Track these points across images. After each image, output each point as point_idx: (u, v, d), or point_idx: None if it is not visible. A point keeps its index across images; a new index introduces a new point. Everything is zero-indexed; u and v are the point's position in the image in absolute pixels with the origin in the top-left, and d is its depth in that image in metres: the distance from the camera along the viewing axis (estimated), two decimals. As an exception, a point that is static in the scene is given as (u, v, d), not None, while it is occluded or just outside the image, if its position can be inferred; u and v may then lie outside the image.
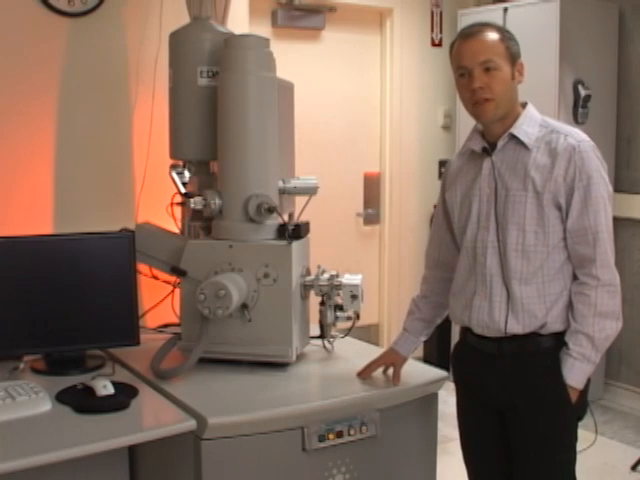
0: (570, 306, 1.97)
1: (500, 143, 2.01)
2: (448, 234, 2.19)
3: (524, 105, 2.03)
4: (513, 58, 1.97)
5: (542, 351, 1.98)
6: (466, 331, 2.11)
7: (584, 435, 2.14)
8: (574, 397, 1.96)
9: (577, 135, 1.97)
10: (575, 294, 1.97)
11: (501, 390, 2.01)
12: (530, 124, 1.99)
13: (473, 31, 1.98)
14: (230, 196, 2.25)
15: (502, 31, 1.99)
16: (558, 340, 1.97)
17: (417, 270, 4.88)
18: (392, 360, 2.20)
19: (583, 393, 1.99)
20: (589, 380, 2.00)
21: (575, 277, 1.99)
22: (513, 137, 1.99)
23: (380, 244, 4.86)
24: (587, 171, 1.93)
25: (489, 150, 2.02)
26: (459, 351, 2.19)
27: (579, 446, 2.04)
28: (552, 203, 1.94)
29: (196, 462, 1.88)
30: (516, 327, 1.97)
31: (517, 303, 1.96)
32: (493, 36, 1.96)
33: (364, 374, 2.18)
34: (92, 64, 2.79)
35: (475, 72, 1.94)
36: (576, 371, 1.94)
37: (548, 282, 1.97)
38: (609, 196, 1.97)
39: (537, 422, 1.97)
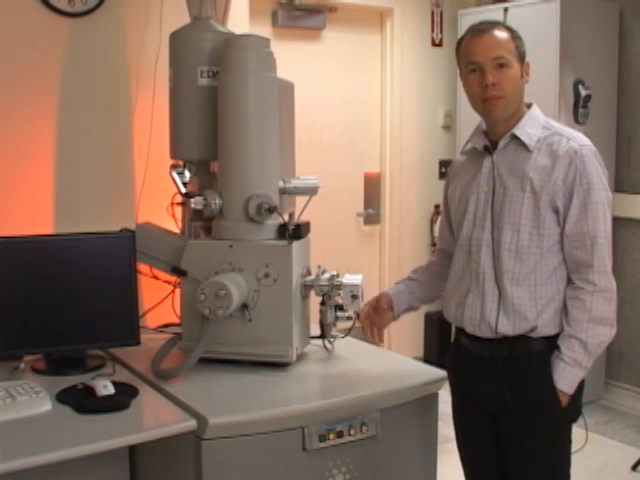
0: (564, 310, 1.97)
1: (502, 143, 2.01)
2: (448, 229, 2.22)
3: (529, 106, 2.03)
4: (522, 57, 1.98)
5: (533, 354, 1.98)
6: (459, 332, 2.12)
7: (581, 434, 2.14)
8: (564, 401, 1.95)
9: (579, 139, 1.97)
10: (570, 299, 1.96)
11: (493, 392, 2.01)
12: (533, 125, 1.99)
13: (484, 28, 1.98)
14: (230, 196, 2.25)
15: (511, 30, 1.99)
16: (549, 344, 1.97)
17: (417, 270, 4.88)
18: (378, 299, 2.24)
19: (576, 396, 1.98)
20: (583, 382, 1.99)
21: (570, 281, 1.98)
22: (515, 137, 1.99)
23: (380, 244, 4.86)
24: (588, 176, 1.92)
25: (490, 149, 2.02)
26: (453, 353, 2.20)
27: (573, 446, 2.04)
28: (549, 205, 1.94)
29: (196, 462, 1.87)
30: (506, 327, 1.97)
31: (508, 303, 1.96)
32: (504, 34, 1.97)
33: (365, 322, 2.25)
34: (92, 64, 2.78)
35: (487, 68, 1.94)
36: (567, 375, 1.94)
37: (540, 285, 1.96)
38: (609, 202, 1.96)
39: (528, 425, 1.97)
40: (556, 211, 1.95)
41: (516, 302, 1.96)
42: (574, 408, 2.00)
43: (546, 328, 1.96)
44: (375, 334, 2.22)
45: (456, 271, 2.09)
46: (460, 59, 2.02)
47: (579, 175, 1.92)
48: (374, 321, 2.23)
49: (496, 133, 2.02)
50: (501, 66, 1.94)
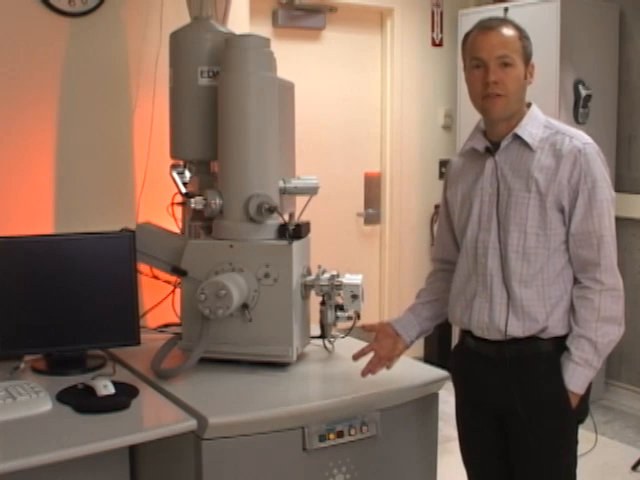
0: (572, 310, 1.95)
1: (504, 143, 1.99)
2: (450, 235, 2.17)
3: (528, 105, 2.02)
4: (527, 58, 1.96)
5: (542, 355, 1.96)
6: (465, 334, 2.10)
7: (585, 436, 2.14)
8: (574, 402, 1.94)
9: (582, 137, 1.96)
10: (578, 298, 1.95)
11: (501, 394, 1.99)
12: (534, 125, 1.98)
13: (493, 24, 1.96)
14: (231, 196, 2.25)
15: (520, 29, 1.97)
16: (559, 344, 1.95)
17: (417, 270, 4.93)
18: (379, 327, 2.18)
19: (584, 397, 1.97)
20: (590, 383, 1.98)
21: (576, 281, 1.97)
22: (517, 137, 1.97)
23: (380, 244, 4.86)
24: (592, 174, 1.91)
25: (492, 150, 2.01)
26: (458, 354, 2.17)
27: (580, 448, 2.03)
28: (555, 205, 1.92)
29: (196, 462, 1.87)
30: (516, 329, 1.95)
31: (517, 305, 1.95)
32: (512, 33, 1.95)
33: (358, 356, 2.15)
34: (93, 64, 2.78)
35: (491, 65, 1.92)
36: (578, 376, 1.92)
37: (548, 285, 1.95)
38: (612, 200, 1.95)
39: (537, 426, 1.95)
40: (561, 211, 1.93)
41: (525, 304, 1.94)
42: (582, 409, 1.99)
43: (556, 328, 1.95)
44: (377, 364, 2.12)
45: (461, 275, 2.07)
46: (465, 53, 2.00)
47: (583, 174, 1.91)
48: (376, 350, 2.14)
49: (496, 133, 2.01)
50: (505, 65, 1.92)
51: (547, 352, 1.96)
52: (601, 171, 1.93)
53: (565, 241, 1.95)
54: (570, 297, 1.96)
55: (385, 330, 2.17)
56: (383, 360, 2.13)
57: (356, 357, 2.16)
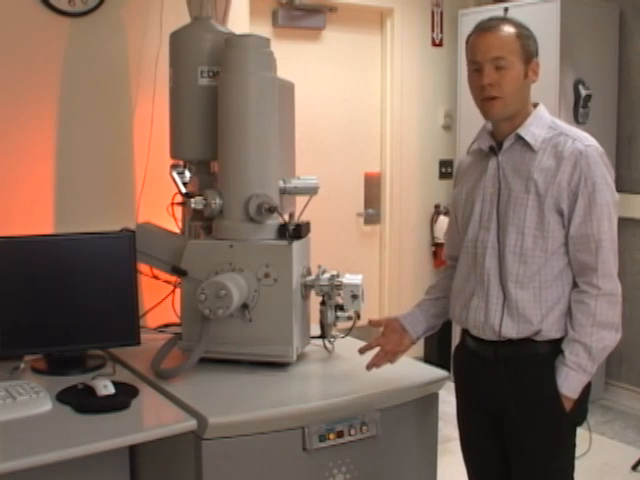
0: (569, 314, 1.94)
1: (506, 143, 1.98)
2: (458, 232, 2.16)
3: (536, 105, 2.00)
4: (528, 57, 1.94)
5: (538, 357, 1.95)
6: (465, 334, 2.10)
7: (582, 436, 2.13)
8: (568, 406, 1.93)
9: (585, 139, 1.94)
10: (574, 302, 1.94)
11: (497, 394, 1.99)
12: (538, 125, 1.96)
13: (490, 25, 1.94)
14: (231, 196, 2.25)
15: (520, 28, 1.95)
16: (554, 347, 1.95)
17: (417, 270, 4.93)
18: (386, 322, 2.19)
19: (581, 400, 1.96)
20: (589, 386, 1.97)
21: (575, 285, 1.96)
22: (520, 138, 1.96)
23: (380, 244, 4.86)
24: (592, 177, 1.89)
25: (496, 149, 2.00)
26: (458, 354, 2.17)
27: (578, 449, 2.03)
28: (553, 207, 1.91)
29: (197, 462, 1.87)
30: (510, 331, 1.95)
31: (513, 306, 1.94)
32: (509, 32, 1.92)
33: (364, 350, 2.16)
34: (93, 64, 2.79)
35: (485, 68, 1.91)
36: (571, 380, 1.91)
37: (545, 288, 1.94)
38: (614, 204, 1.94)
39: (531, 428, 1.95)
40: (561, 213, 1.92)
41: (520, 305, 1.93)
42: (578, 412, 1.98)
43: (551, 332, 1.94)
44: (382, 358, 2.13)
45: (462, 273, 2.07)
46: (467, 56, 2.00)
47: (584, 176, 1.89)
48: (382, 344, 2.15)
49: (501, 133, 2.00)
50: (500, 67, 1.91)
51: (543, 354, 1.95)
52: (603, 174, 1.91)
53: (564, 244, 1.94)
54: (568, 300, 1.95)
55: (392, 325, 2.18)
56: (389, 355, 2.15)
57: (362, 351, 2.17)
